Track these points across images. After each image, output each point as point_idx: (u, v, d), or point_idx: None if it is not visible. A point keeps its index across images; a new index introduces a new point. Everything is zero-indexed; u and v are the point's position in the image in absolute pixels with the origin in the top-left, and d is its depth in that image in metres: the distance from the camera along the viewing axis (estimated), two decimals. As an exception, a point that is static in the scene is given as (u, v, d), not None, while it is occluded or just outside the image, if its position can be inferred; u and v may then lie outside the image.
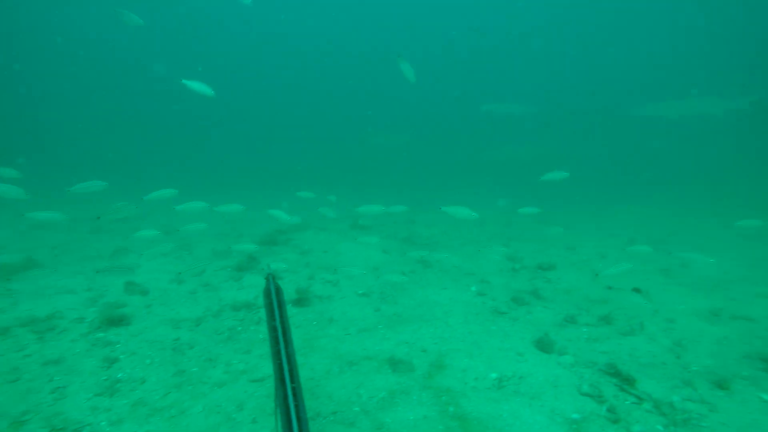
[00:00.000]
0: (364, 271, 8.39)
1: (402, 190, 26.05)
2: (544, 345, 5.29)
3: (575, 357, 5.07)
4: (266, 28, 53.53)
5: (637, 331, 5.85)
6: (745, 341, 5.52)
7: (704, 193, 22.40)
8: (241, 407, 4.02)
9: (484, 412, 4.02)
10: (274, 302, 1.85)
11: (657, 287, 7.84)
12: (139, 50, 50.48)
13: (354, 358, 5.04)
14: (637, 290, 7.36)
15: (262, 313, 6.28)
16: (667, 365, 4.90)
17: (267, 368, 4.73)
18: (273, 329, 1.70)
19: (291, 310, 6.45)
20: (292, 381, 1.31)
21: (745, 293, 7.55)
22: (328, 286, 7.67)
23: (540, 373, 4.68)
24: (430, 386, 4.45)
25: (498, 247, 10.55)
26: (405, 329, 5.90)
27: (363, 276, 8.24)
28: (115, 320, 5.64)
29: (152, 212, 15.36)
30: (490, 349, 5.27)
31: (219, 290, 7.24)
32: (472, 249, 10.86)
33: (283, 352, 1.45)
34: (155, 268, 8.34)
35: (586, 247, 11.43)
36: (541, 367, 4.82)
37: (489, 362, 4.93)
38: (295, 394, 1.29)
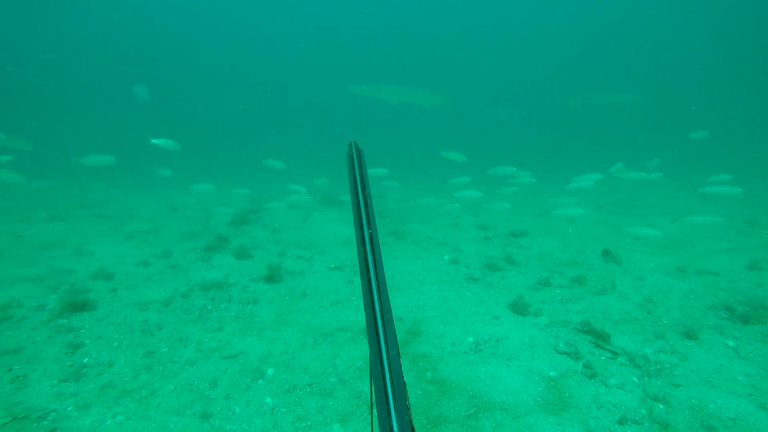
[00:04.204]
0: (334, 246, 8.26)
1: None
2: (519, 308, 5.32)
3: (550, 318, 5.12)
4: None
5: (608, 290, 5.96)
6: (710, 293, 5.70)
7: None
8: (214, 384, 3.90)
9: (462, 375, 4.01)
10: (356, 165, 1.95)
11: (626, 249, 8.00)
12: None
13: (328, 330, 4.96)
14: (607, 252, 7.51)
15: (233, 291, 6.12)
16: (639, 320, 5.01)
17: (240, 345, 4.60)
18: (354, 186, 1.81)
19: (262, 287, 6.30)
20: (369, 227, 1.45)
21: (707, 250, 7.80)
22: (300, 262, 7.53)
23: (516, 335, 4.71)
24: (406, 353, 4.42)
25: (468, 217, 10.56)
26: (380, 300, 5.84)
27: (335, 250, 8.11)
28: (79, 306, 5.37)
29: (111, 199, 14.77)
30: (465, 314, 5.28)
31: (187, 271, 7.00)
32: (443, 221, 10.85)
33: (363, 211, 1.59)
34: (120, 252, 8.00)
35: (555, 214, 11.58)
36: (517, 329, 4.85)
37: (465, 327, 4.94)
38: (371, 239, 1.41)
